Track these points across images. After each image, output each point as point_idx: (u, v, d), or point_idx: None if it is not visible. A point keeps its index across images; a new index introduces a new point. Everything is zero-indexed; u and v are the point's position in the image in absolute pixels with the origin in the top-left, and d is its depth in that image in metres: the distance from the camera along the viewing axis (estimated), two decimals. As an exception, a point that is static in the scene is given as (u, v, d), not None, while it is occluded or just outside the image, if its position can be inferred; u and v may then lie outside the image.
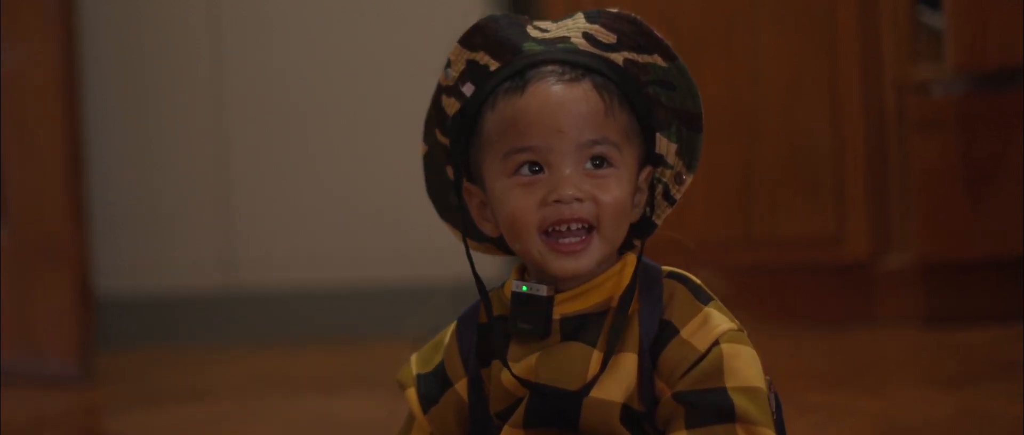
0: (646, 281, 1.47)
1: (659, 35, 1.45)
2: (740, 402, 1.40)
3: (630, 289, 1.45)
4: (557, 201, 1.42)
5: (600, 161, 1.43)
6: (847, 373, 2.99)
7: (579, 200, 1.42)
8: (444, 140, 1.53)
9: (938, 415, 2.37)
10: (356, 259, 3.96)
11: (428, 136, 1.54)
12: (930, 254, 3.32)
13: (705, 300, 1.46)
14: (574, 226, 1.43)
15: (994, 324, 3.21)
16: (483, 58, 1.46)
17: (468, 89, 1.47)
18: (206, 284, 4.02)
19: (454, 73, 1.48)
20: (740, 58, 3.47)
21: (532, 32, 1.47)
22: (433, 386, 1.55)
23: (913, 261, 3.37)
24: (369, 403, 2.95)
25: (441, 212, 1.58)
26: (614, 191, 1.43)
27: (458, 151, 1.50)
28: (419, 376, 1.57)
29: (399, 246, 3.91)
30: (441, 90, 1.50)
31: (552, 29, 1.47)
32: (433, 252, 3.79)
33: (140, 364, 3.73)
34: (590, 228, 1.43)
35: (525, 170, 1.43)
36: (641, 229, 1.52)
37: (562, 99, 1.42)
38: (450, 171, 1.54)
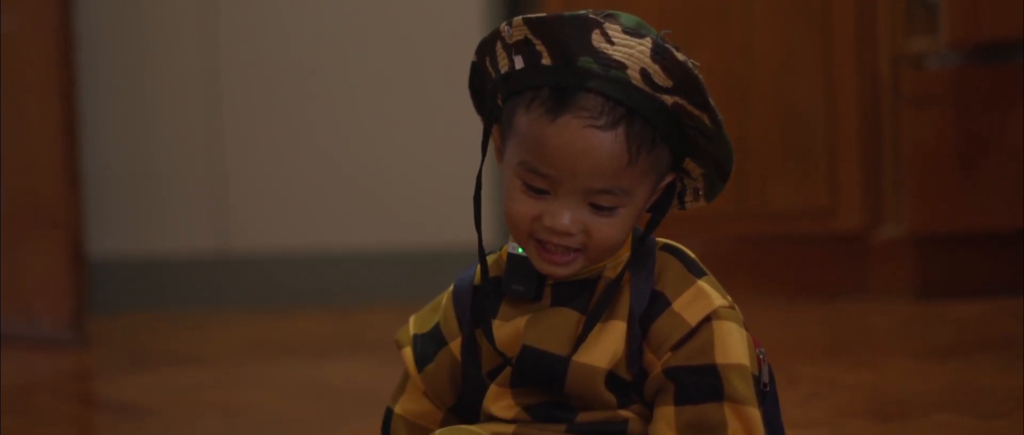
0: (640, 252, 1.48)
1: (712, 102, 1.45)
2: (729, 380, 1.43)
3: (627, 263, 1.47)
4: (549, 228, 1.44)
5: (602, 207, 1.45)
6: (839, 345, 3.00)
7: (570, 234, 1.44)
8: (491, 71, 1.51)
9: (929, 387, 2.38)
10: (348, 225, 3.96)
11: (478, 54, 1.52)
12: (923, 226, 3.32)
13: (698, 274, 1.48)
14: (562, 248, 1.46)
15: (986, 297, 3.21)
16: (539, 46, 1.45)
17: (519, 62, 1.47)
18: (198, 249, 4.02)
19: (513, 35, 1.46)
20: (734, 28, 3.46)
21: (596, 40, 1.42)
22: (429, 346, 1.58)
23: (906, 233, 3.37)
24: (359, 368, 2.95)
25: (477, 107, 1.58)
26: (608, 230, 1.45)
27: (501, 93, 1.49)
28: (416, 336, 1.60)
29: (391, 213, 3.91)
30: (499, 36, 1.48)
31: (618, 43, 1.42)
32: (424, 219, 3.79)
33: (132, 328, 3.74)
34: (577, 249, 1.46)
35: (533, 188, 1.45)
36: (653, 208, 1.52)
37: (586, 148, 1.42)
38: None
